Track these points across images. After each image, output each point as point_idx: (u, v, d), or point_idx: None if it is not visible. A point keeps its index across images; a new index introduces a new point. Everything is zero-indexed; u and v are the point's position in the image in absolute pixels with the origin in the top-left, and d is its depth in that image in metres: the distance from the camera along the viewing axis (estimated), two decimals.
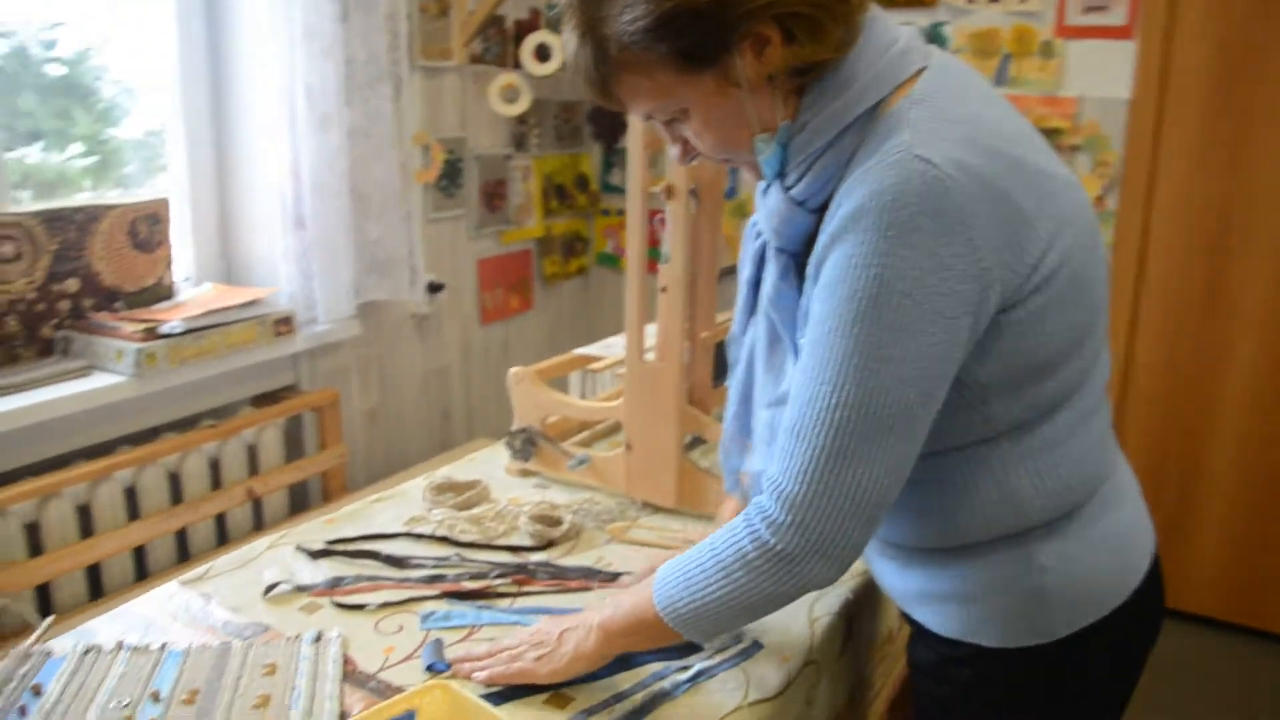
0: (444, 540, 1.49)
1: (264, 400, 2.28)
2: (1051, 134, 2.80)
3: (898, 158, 0.90)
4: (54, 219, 1.90)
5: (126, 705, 1.08)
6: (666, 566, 1.07)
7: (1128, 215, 2.79)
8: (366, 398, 2.59)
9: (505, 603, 1.34)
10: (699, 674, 1.19)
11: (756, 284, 1.16)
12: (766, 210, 1.08)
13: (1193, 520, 2.92)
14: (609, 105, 1.04)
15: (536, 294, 3.24)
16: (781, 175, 1.04)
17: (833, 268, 0.93)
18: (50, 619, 1.26)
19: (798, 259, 1.07)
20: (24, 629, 1.70)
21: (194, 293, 2.19)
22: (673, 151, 1.08)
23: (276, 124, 2.16)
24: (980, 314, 0.93)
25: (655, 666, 1.20)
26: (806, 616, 1.33)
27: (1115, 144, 2.75)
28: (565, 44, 1.01)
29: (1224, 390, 2.81)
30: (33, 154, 2.05)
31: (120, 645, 1.19)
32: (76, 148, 2.12)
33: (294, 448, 2.33)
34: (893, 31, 1.00)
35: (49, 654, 1.17)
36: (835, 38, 0.95)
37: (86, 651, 1.17)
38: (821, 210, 1.01)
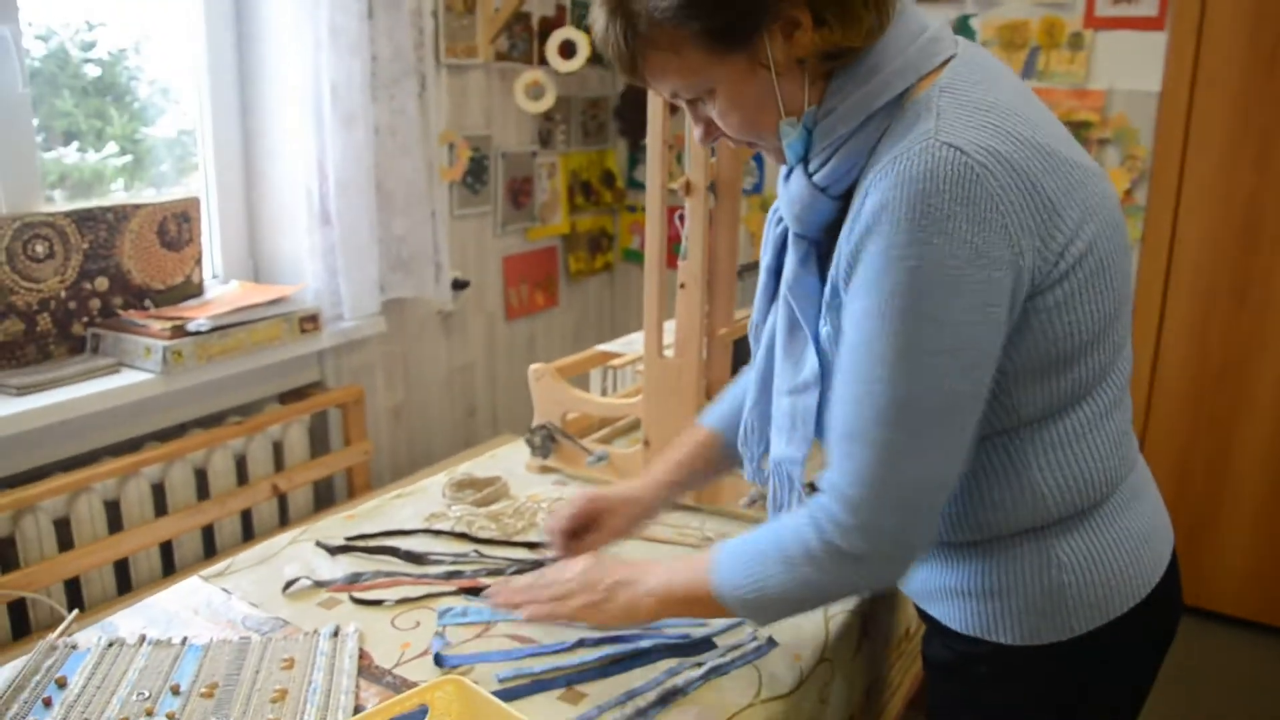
0: (462, 537, 1.50)
1: (290, 397, 2.30)
2: (1080, 127, 2.78)
3: (925, 144, 0.89)
4: (85, 218, 1.93)
5: (147, 698, 1.09)
6: (728, 550, 1.08)
7: (1157, 209, 2.76)
8: (391, 394, 2.61)
9: None
10: (712, 671, 1.19)
11: (778, 271, 1.14)
12: (789, 196, 1.07)
13: (1220, 518, 2.88)
14: (635, 81, 1.03)
15: (562, 290, 3.25)
16: (805, 160, 1.03)
17: (869, 263, 0.92)
18: (74, 613, 1.28)
19: (819, 245, 1.07)
20: (54, 623, 1.74)
21: (221, 290, 2.21)
22: (696, 132, 1.07)
23: (303, 122, 2.18)
24: (1015, 301, 0.92)
25: (669, 663, 1.21)
26: (821, 614, 1.33)
27: (1144, 138, 2.72)
28: (593, 21, 1.01)
29: (1253, 385, 2.77)
30: (69, 154, 2.08)
31: (143, 639, 1.21)
32: (112, 147, 2.16)
33: (319, 444, 2.35)
34: (922, 20, 1.00)
35: (74, 647, 1.19)
36: (866, 24, 0.95)
37: (110, 645, 1.19)
38: (843, 198, 1.01)
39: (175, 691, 1.11)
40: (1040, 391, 0.99)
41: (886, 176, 0.90)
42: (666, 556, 1.45)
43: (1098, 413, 1.02)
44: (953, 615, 1.12)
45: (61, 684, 1.12)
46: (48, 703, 1.08)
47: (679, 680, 1.17)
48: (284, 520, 2.23)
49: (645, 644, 1.23)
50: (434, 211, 2.50)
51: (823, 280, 1.04)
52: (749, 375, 1.27)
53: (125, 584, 1.92)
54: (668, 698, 1.15)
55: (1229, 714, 2.55)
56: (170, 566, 2.00)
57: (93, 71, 2.12)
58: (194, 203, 2.15)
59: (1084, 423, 1.02)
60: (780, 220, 1.13)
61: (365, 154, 2.27)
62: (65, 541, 1.81)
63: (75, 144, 2.09)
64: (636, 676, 1.18)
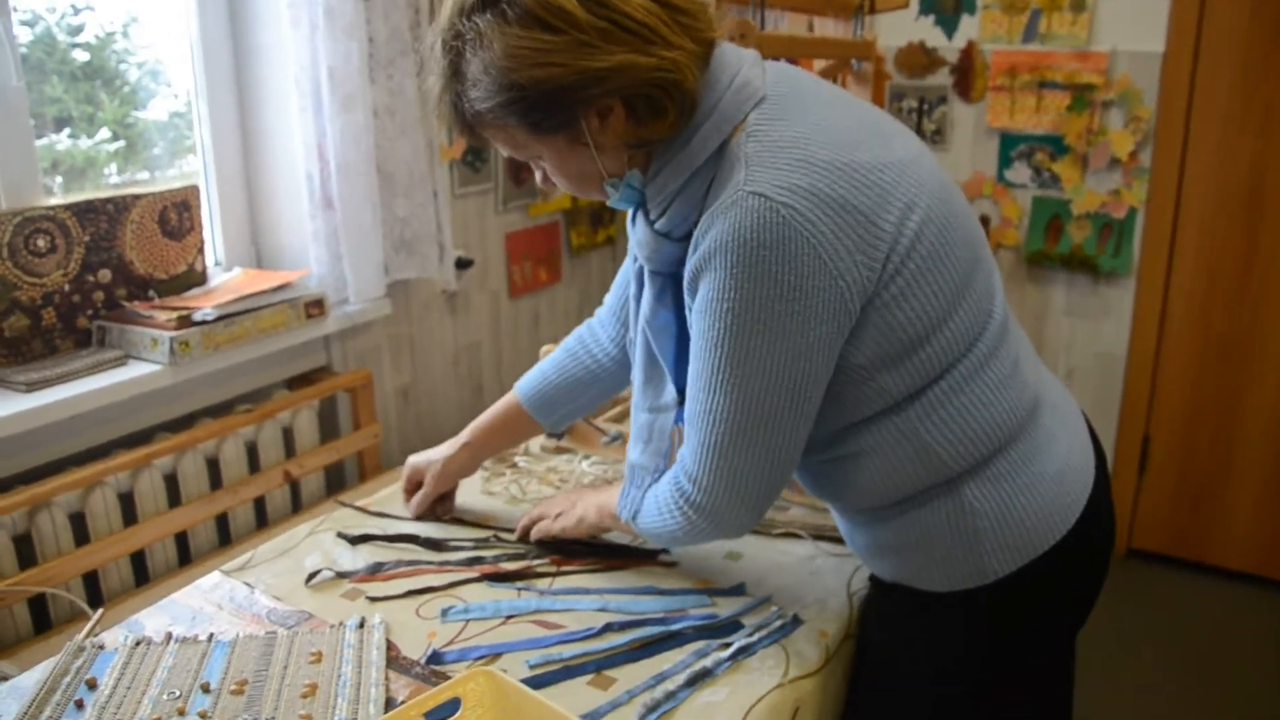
0: (478, 525, 1.50)
1: (298, 383, 2.29)
2: (1083, 90, 2.75)
3: (735, 198, 0.99)
4: (85, 210, 1.91)
5: (178, 697, 1.09)
6: (627, 487, 1.27)
7: (1161, 171, 2.74)
8: (398, 376, 2.61)
9: (544, 583, 1.35)
10: (740, 651, 1.20)
11: (640, 300, 1.25)
12: (636, 239, 1.18)
13: (1227, 478, 2.89)
14: (472, 141, 1.16)
15: (565, 266, 3.23)
16: (645, 211, 1.13)
17: (702, 296, 1.04)
18: (100, 612, 1.28)
19: (675, 279, 1.16)
20: (75, 617, 1.74)
21: (225, 278, 2.20)
22: (537, 175, 1.17)
23: (301, 106, 2.15)
24: (842, 315, 1.01)
25: (696, 645, 1.21)
26: (845, 590, 1.34)
27: (1149, 99, 2.70)
28: (430, 85, 1.10)
29: (1260, 347, 2.77)
30: (62, 140, 2.06)
31: (169, 637, 1.21)
32: (104, 133, 2.13)
33: (329, 429, 2.35)
34: (730, 67, 1.07)
35: (101, 647, 1.19)
36: (670, 118, 1.04)
37: (137, 644, 1.19)
38: (686, 237, 1.10)
39: (205, 689, 1.11)
40: (903, 373, 1.06)
41: (712, 228, 1.01)
42: None
43: (971, 369, 1.09)
44: (884, 568, 1.22)
45: (92, 685, 1.12)
46: (79, 705, 1.08)
47: (708, 662, 1.17)
48: (297, 506, 2.23)
49: (674, 626, 1.24)
50: (435, 191, 2.48)
51: (677, 313, 1.17)
52: (564, 346, 1.50)
53: (143, 576, 1.92)
54: (697, 679, 1.15)
55: (1236, 666, 2.57)
56: (186, 557, 2.00)
57: (81, 56, 2.09)
58: (194, 191, 2.12)
59: (959, 380, 1.08)
60: (636, 258, 1.23)
61: (365, 136, 2.24)
62: (81, 536, 1.80)
63: (67, 130, 2.06)
64: (665, 659, 1.19)
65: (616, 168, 1.10)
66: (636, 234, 1.17)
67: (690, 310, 1.09)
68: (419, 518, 1.53)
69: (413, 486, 1.55)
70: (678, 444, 1.22)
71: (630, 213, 1.20)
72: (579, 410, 1.51)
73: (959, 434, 1.08)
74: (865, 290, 1.01)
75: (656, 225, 1.12)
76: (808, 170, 0.99)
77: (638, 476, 1.25)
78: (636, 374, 1.26)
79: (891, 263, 1.01)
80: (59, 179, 2.05)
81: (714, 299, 1.02)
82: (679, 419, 1.20)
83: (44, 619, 1.75)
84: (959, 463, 1.09)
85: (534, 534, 1.43)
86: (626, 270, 1.42)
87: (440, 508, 1.54)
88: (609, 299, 1.47)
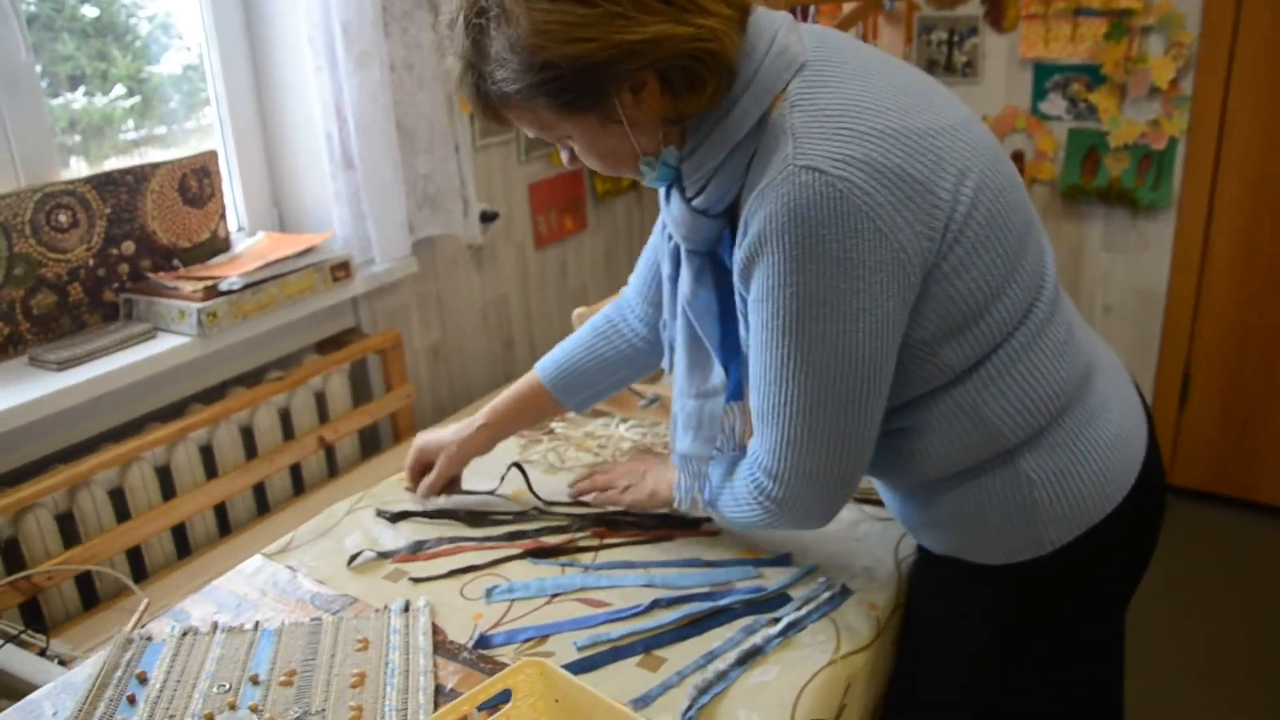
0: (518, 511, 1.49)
1: (327, 346, 2.27)
2: (1121, 15, 2.65)
3: (785, 173, 0.94)
4: (105, 183, 1.88)
5: (228, 690, 1.09)
6: (710, 468, 1.21)
7: (1204, 99, 2.64)
8: (427, 334, 2.58)
9: (588, 558, 1.34)
10: (790, 626, 1.18)
11: (678, 280, 1.19)
12: (672, 217, 1.13)
13: (1271, 414, 2.83)
14: (495, 122, 1.08)
15: (590, 213, 3.18)
16: (680, 187, 1.08)
17: (759, 283, 0.99)
18: (144, 603, 1.28)
19: (713, 257, 1.13)
20: (120, 591, 1.75)
21: (249, 243, 2.17)
22: (563, 155, 1.11)
23: (317, 65, 2.10)
24: (906, 289, 0.97)
25: (745, 620, 1.20)
26: (893, 558, 1.32)
27: (1191, 23, 2.59)
28: (451, 67, 1.04)
29: None
30: (77, 99, 2.03)
31: (215, 626, 1.20)
32: (119, 89, 2.10)
33: (361, 391, 2.33)
34: (766, 33, 1.01)
35: (149, 639, 1.19)
36: (710, 89, 0.98)
37: (184, 634, 1.19)
38: (727, 211, 1.06)
39: (255, 681, 1.11)
40: (964, 344, 1.02)
41: (761, 207, 0.96)
42: None
43: (1030, 337, 1.06)
44: (936, 541, 1.19)
45: (142, 679, 1.12)
46: (132, 700, 1.09)
47: (757, 639, 1.16)
48: (332, 471, 2.22)
49: (721, 601, 1.22)
50: (457, 145, 2.43)
51: (718, 292, 1.13)
52: (591, 325, 1.44)
53: (184, 548, 1.92)
54: (747, 658, 1.14)
55: (1276, 599, 2.56)
56: (226, 527, 2.01)
57: (90, 12, 2.04)
58: (212, 156, 2.09)
59: (1017, 349, 1.05)
60: (671, 235, 1.18)
61: (382, 93, 2.19)
62: (122, 511, 1.81)
63: (82, 89, 2.03)
64: (714, 636, 1.18)
65: (651, 145, 1.04)
66: (672, 212, 1.12)
67: (743, 298, 1.04)
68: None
69: (419, 466, 1.47)
70: (739, 427, 1.20)
71: (663, 190, 1.15)
72: (606, 391, 1.46)
73: (1018, 405, 1.05)
74: (926, 261, 0.97)
75: (694, 203, 1.07)
76: (860, 140, 0.94)
77: (691, 466, 1.21)
78: (680, 359, 1.21)
79: (950, 231, 0.97)
80: (77, 138, 2.02)
81: (774, 285, 0.97)
82: (731, 399, 1.17)
83: (91, 595, 1.76)
84: (1017, 434, 1.07)
85: (596, 500, 1.41)
86: (653, 248, 1.37)
87: (448, 490, 1.48)
88: (634, 280, 1.42)
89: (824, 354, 0.98)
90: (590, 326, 1.45)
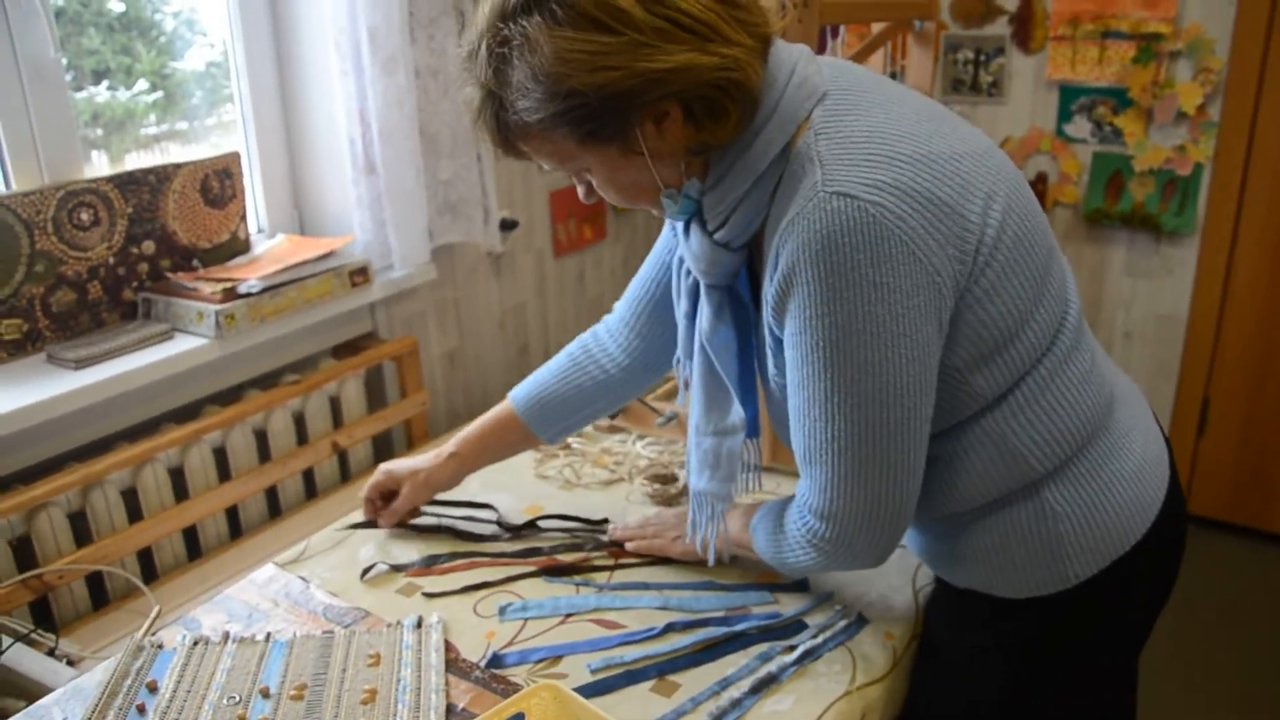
0: (528, 524, 1.48)
1: (344, 351, 2.27)
2: (1150, 39, 2.63)
3: (815, 200, 0.92)
4: (127, 182, 1.88)
5: (238, 702, 1.08)
6: (762, 518, 1.20)
7: (1232, 126, 2.62)
8: (444, 341, 2.58)
9: (602, 577, 1.33)
10: (805, 655, 1.17)
11: (695, 316, 1.18)
12: (691, 252, 1.11)
13: None
14: (511, 156, 1.06)
15: (609, 223, 3.17)
16: (701, 220, 1.06)
17: (794, 316, 0.98)
18: (156, 609, 1.27)
19: (732, 292, 1.11)
20: (131, 592, 1.74)
21: (268, 245, 2.17)
22: (580, 190, 1.09)
23: (342, 70, 2.10)
24: (942, 313, 0.96)
25: (761, 647, 1.19)
26: (910, 587, 1.30)
27: (1220, 49, 2.57)
28: (469, 96, 1.01)
29: None
30: (100, 93, 2.03)
31: (227, 636, 1.20)
32: (142, 84, 2.10)
33: (376, 397, 2.33)
34: (786, 64, 1.00)
35: (160, 647, 1.18)
36: (733, 119, 0.97)
37: (195, 643, 1.18)
38: (748, 245, 1.05)
39: (265, 694, 1.10)
40: (994, 371, 1.01)
41: (792, 237, 0.94)
42: None
43: (1056, 364, 1.04)
44: (956, 575, 1.17)
45: (152, 688, 1.11)
46: (141, 709, 1.08)
47: (773, 667, 1.15)
48: (345, 476, 2.22)
49: (737, 627, 1.21)
50: (479, 153, 2.43)
51: (738, 329, 1.11)
52: (566, 353, 1.41)
53: (195, 550, 1.92)
54: (762, 686, 1.13)
55: None
56: (237, 530, 2.00)
57: (117, 7, 2.05)
58: (235, 158, 2.09)
59: (1045, 377, 1.04)
60: (689, 271, 1.16)
61: (407, 98, 2.19)
62: (134, 512, 1.80)
63: (105, 83, 2.04)
64: (729, 663, 1.16)
65: (673, 177, 1.03)
66: (691, 247, 1.10)
67: (776, 337, 1.02)
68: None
69: (378, 495, 1.43)
70: (756, 463, 1.18)
71: (680, 226, 1.13)
72: (580, 423, 1.42)
73: (1045, 435, 1.04)
74: (958, 285, 0.96)
75: (716, 235, 1.05)
76: (889, 164, 0.93)
77: (705, 505, 1.20)
78: (696, 396, 1.19)
79: (981, 255, 0.97)
80: (99, 131, 2.02)
81: (811, 315, 0.95)
82: (749, 435, 1.16)
83: (101, 595, 1.76)
84: (1043, 465, 1.05)
85: (637, 548, 1.36)
86: (644, 282, 1.36)
87: (408, 520, 1.45)
88: (620, 308, 1.40)
89: (867, 384, 0.96)
90: (566, 355, 1.42)
